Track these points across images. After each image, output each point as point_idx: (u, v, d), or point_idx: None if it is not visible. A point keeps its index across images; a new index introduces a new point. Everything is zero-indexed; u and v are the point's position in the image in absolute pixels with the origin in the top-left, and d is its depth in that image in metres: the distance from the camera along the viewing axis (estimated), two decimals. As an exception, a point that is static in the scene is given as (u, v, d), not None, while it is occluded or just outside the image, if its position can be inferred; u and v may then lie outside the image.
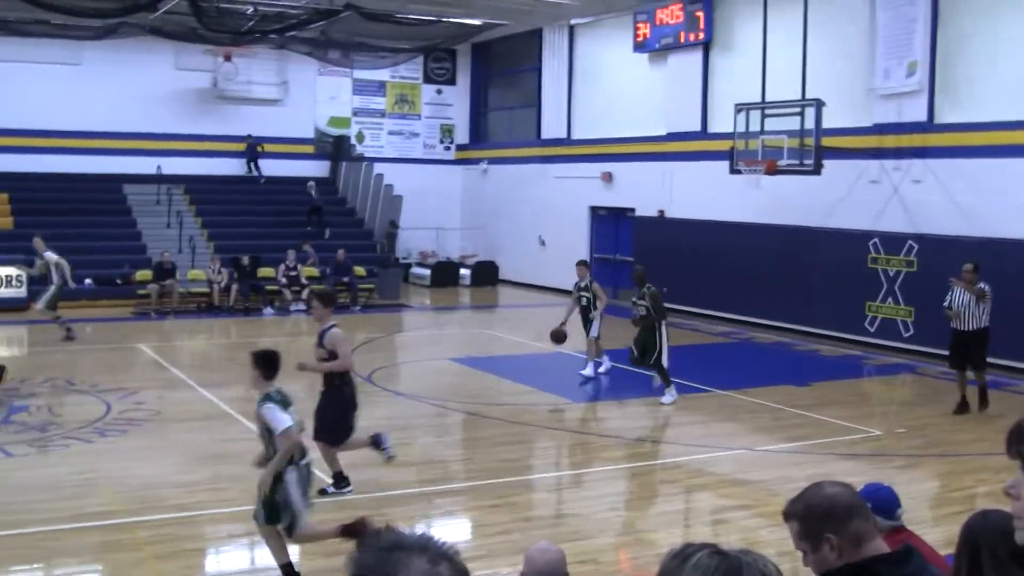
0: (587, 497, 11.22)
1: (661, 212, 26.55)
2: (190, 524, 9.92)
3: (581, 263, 18.11)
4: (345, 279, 26.86)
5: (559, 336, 17.24)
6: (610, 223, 29.34)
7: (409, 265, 32.70)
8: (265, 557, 8.45)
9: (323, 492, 10.27)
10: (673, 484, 12.02)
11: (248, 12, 25.92)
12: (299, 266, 26.91)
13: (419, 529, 2.70)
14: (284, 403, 8.05)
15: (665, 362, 15.33)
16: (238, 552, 9.51)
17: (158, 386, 16.40)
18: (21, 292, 24.86)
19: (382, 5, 25.48)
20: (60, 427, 13.27)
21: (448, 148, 36.06)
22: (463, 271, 32.71)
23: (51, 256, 21.22)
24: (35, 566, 9.13)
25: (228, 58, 31.08)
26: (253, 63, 32.02)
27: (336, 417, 10.48)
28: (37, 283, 22.62)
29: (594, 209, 29.81)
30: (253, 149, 32.27)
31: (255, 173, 32.60)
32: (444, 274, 32.51)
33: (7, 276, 24.92)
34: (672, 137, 26.33)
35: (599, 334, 17.23)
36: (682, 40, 25.74)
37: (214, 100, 32.27)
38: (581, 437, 13.85)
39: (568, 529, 9.90)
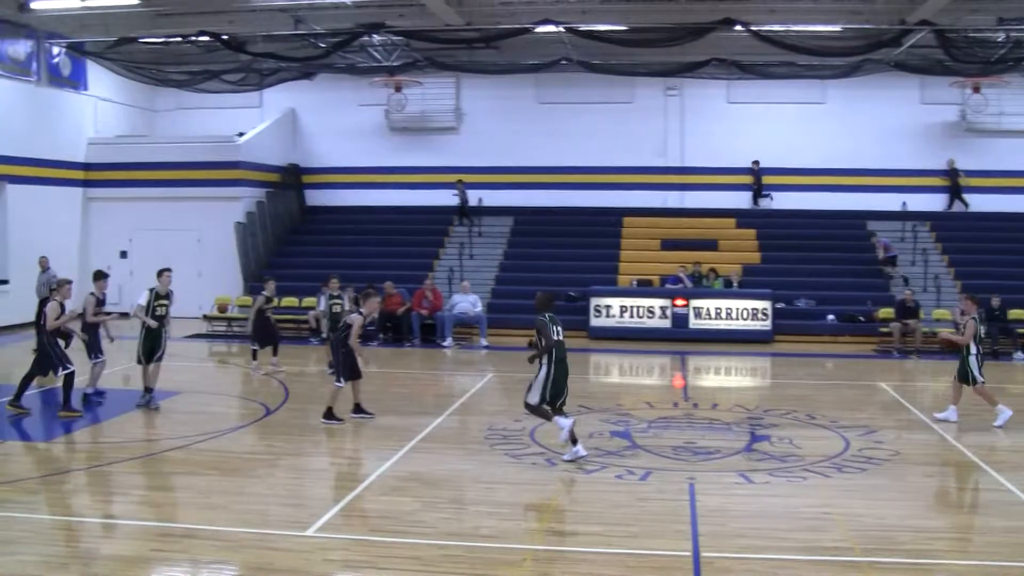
0: None
1: None
2: (924, 571, 9.21)
3: (968, 297, 16.64)
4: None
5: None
6: None
7: None
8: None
9: None
10: None
11: (999, 40, 24.48)
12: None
13: None
14: None
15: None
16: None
17: (898, 426, 15.77)
18: (767, 325, 25.66)
19: None
20: (799, 459, 13.20)
21: None
22: None
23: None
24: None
25: (977, 89, 29.56)
26: (1004, 93, 30.21)
27: None
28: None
29: None
30: (956, 179, 30.85)
31: (958, 205, 31.20)
32: None
33: (753, 309, 25.83)
34: None
35: (972, 379, 15.63)
36: None
37: (962, 133, 31.03)
38: None
39: None
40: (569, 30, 24.42)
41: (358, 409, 15.80)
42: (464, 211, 31.67)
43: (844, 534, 10.11)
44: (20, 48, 27.96)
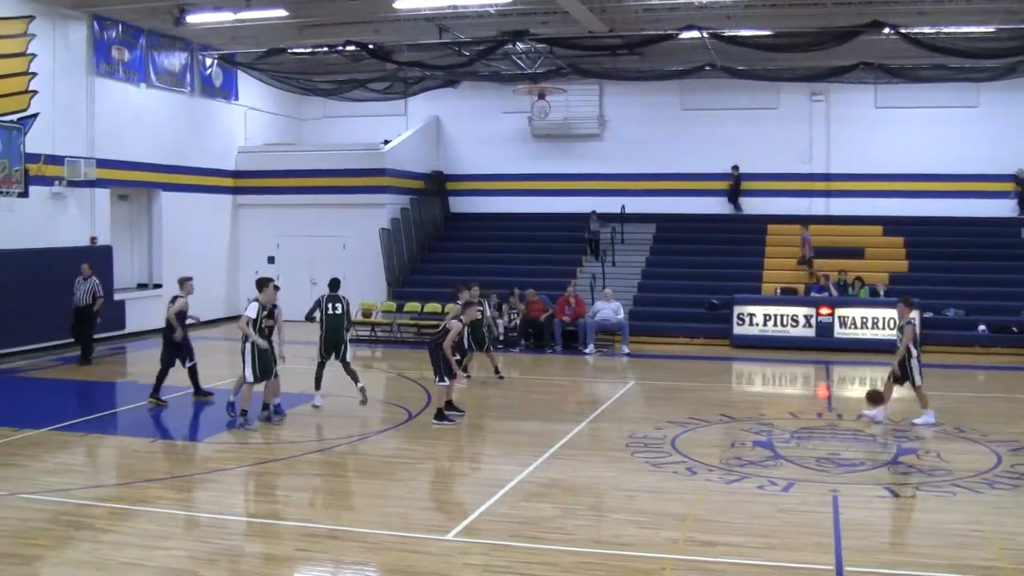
0: None
1: None
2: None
3: (901, 300, 17.07)
4: None
5: (872, 397, 16.54)
6: None
7: None
8: None
9: None
10: None
11: None
12: None
13: None
14: None
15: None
16: None
17: (1054, 441, 15.19)
18: (914, 336, 24.98)
19: None
20: (948, 474, 12.83)
21: None
22: None
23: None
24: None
25: None
26: None
27: None
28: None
29: None
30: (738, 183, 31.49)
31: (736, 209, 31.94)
32: None
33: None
34: None
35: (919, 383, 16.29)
36: None
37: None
38: None
39: None
40: (713, 36, 24.21)
41: (450, 406, 16.31)
42: (595, 246, 30.91)
43: (995, 552, 9.78)
44: (175, 60, 29.07)
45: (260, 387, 15.79)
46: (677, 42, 25.10)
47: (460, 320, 16.40)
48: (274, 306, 16.01)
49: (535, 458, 13.54)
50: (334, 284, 18.06)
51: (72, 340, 22.85)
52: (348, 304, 17.97)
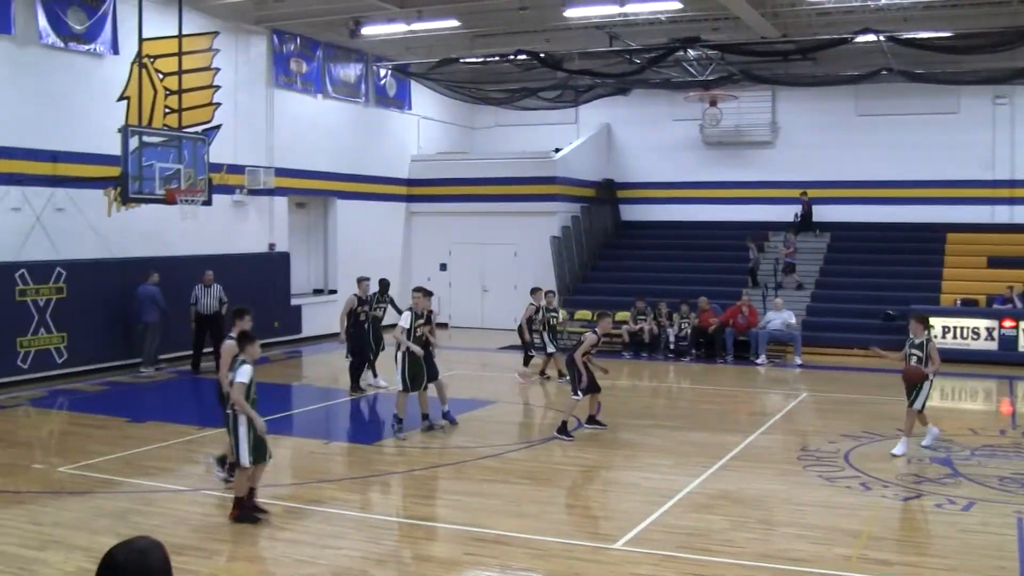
0: None
1: None
2: None
3: (914, 317, 15.10)
4: None
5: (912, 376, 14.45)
6: None
7: None
8: None
9: None
10: None
11: None
12: None
13: None
14: None
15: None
16: None
17: None
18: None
19: None
20: None
21: None
22: None
23: None
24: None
25: None
26: None
27: None
28: None
29: None
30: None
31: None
32: None
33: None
34: None
35: (923, 405, 14.53)
36: None
37: None
38: None
39: None
40: (890, 39, 23.53)
41: (592, 420, 16.20)
42: (754, 274, 29.30)
43: None
44: (350, 71, 29.90)
45: (430, 392, 16.10)
46: (852, 46, 24.45)
47: (596, 332, 16.27)
48: (429, 312, 16.33)
49: (705, 469, 13.41)
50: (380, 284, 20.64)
51: (192, 352, 22.39)
52: (382, 305, 20.56)
